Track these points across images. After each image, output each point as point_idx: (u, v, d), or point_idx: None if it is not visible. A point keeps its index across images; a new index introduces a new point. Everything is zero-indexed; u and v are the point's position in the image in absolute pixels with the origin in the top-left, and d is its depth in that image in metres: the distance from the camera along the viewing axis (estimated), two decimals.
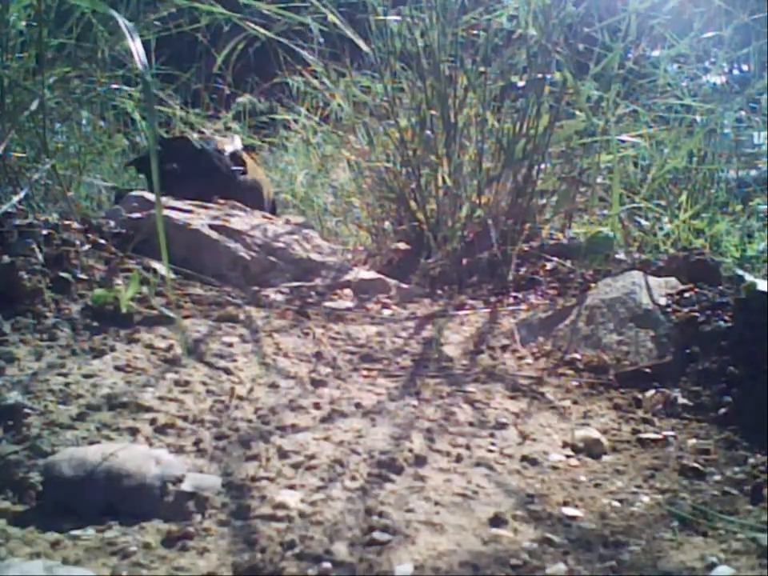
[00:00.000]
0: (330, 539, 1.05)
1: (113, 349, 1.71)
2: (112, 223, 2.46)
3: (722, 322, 1.81)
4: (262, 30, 3.04)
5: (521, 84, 3.02)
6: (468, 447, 1.41)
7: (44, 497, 1.12)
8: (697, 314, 1.89)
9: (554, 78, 2.85)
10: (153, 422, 1.39)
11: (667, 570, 1.02)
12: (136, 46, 1.12)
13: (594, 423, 1.58)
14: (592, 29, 2.97)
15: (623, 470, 1.37)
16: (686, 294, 2.02)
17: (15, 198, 2.29)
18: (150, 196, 2.68)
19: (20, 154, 2.57)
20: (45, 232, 2.09)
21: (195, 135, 3.30)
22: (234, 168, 3.40)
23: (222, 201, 3.16)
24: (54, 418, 1.34)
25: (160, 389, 1.54)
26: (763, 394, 1.55)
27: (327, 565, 0.99)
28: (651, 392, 1.72)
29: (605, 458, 1.43)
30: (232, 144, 3.47)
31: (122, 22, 1.12)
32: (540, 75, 2.78)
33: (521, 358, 2.00)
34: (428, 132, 2.99)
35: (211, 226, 2.59)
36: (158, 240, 1.16)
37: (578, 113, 3.13)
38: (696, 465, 1.37)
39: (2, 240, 1.96)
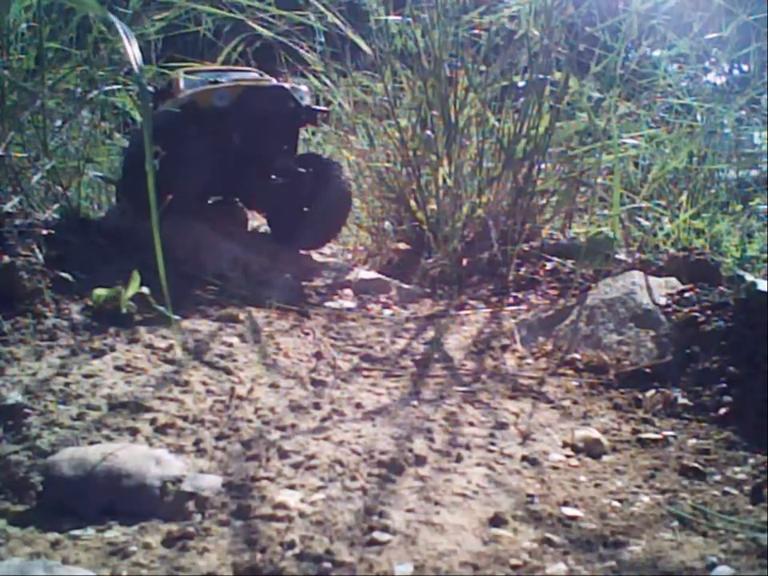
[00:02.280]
0: (330, 539, 1.05)
1: (113, 349, 1.71)
2: (112, 223, 2.46)
3: (721, 322, 1.81)
4: (263, 30, 3.04)
5: (522, 84, 3.02)
6: (468, 447, 1.41)
7: (44, 497, 1.12)
8: (697, 313, 1.89)
9: (554, 78, 2.85)
10: (153, 422, 1.39)
11: (667, 570, 1.02)
12: (132, 50, 1.11)
13: (594, 423, 1.58)
14: (593, 29, 2.97)
15: (623, 470, 1.37)
16: (686, 294, 2.02)
17: (15, 198, 2.29)
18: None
19: (20, 154, 2.57)
20: (45, 232, 2.09)
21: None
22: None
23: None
24: (53, 418, 1.34)
25: (160, 389, 1.54)
26: (763, 394, 1.55)
27: (327, 565, 0.99)
28: (651, 392, 1.72)
29: (605, 457, 1.43)
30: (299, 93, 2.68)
31: (119, 25, 1.12)
32: (541, 75, 2.78)
33: (521, 358, 2.00)
34: (428, 132, 3.00)
35: (212, 226, 2.59)
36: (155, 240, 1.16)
37: (578, 113, 3.13)
38: (696, 465, 1.36)
39: (1, 240, 1.96)
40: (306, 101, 2.63)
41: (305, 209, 2.73)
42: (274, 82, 2.72)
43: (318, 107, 2.70)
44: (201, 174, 2.45)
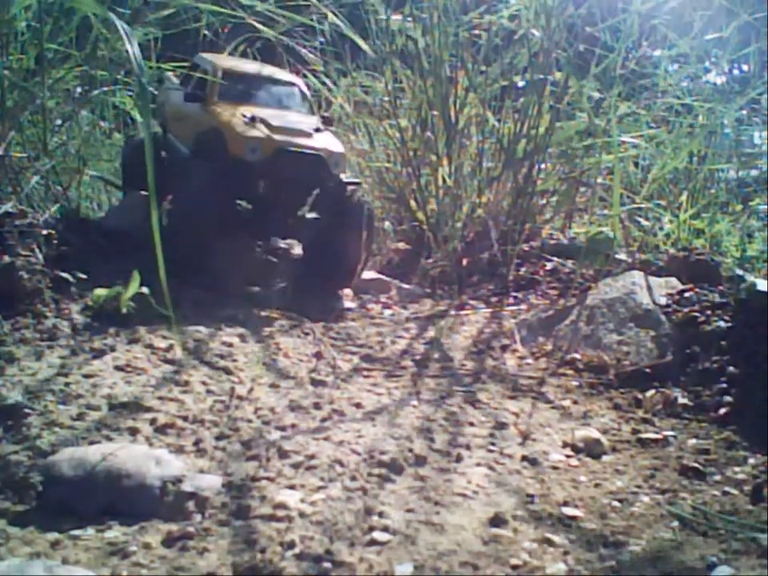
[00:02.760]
0: (330, 539, 1.05)
1: (113, 349, 1.71)
2: (112, 223, 2.46)
3: (722, 322, 1.81)
4: (265, 30, 3.04)
5: (522, 84, 3.03)
6: (468, 447, 1.41)
7: (44, 497, 1.12)
8: (697, 313, 1.89)
9: (554, 78, 2.85)
10: (153, 422, 1.39)
11: (667, 570, 1.02)
12: (132, 48, 1.12)
13: (594, 423, 1.58)
14: (594, 29, 2.97)
15: (623, 470, 1.37)
16: (686, 294, 2.02)
17: (15, 198, 2.29)
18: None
19: (20, 154, 2.57)
20: (45, 232, 2.09)
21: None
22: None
23: None
24: (53, 418, 1.34)
25: (160, 389, 1.54)
26: (763, 393, 1.55)
27: (327, 565, 0.99)
28: (651, 392, 1.72)
29: (605, 458, 1.43)
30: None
31: (118, 24, 1.12)
32: (541, 75, 2.78)
33: (521, 358, 2.00)
34: (428, 132, 3.00)
35: None
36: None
37: (578, 113, 3.13)
38: (696, 465, 1.37)
39: (2, 240, 1.96)
40: (340, 166, 2.42)
41: (325, 246, 2.51)
42: (314, 138, 2.38)
43: (349, 180, 2.49)
44: (219, 213, 2.27)
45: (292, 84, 2.64)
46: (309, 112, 2.59)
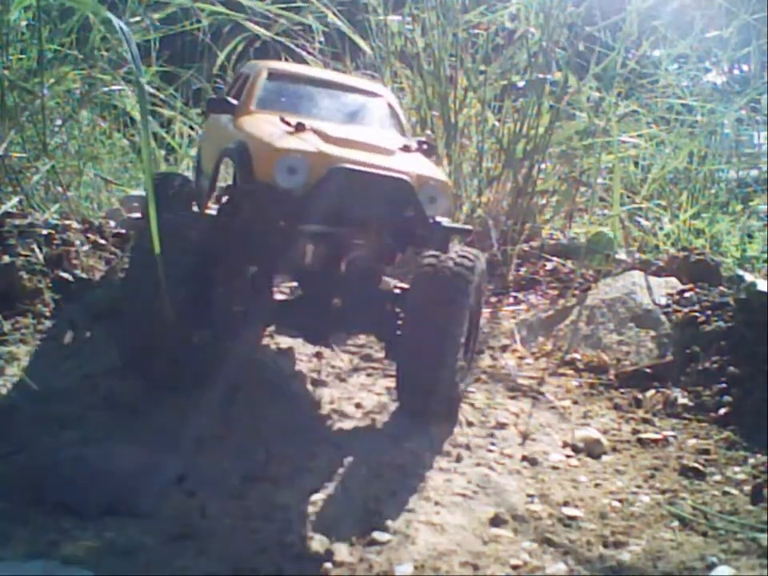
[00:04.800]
0: (330, 539, 1.05)
1: (113, 349, 1.70)
2: (112, 223, 2.46)
3: (722, 322, 1.81)
4: (262, 31, 3.05)
5: (521, 84, 3.03)
6: (468, 447, 1.41)
7: (44, 497, 1.12)
8: (697, 313, 1.89)
9: (554, 78, 2.85)
10: (154, 421, 1.38)
11: (667, 570, 1.02)
12: (132, 50, 1.12)
13: (594, 423, 1.59)
14: (594, 28, 2.97)
15: (623, 470, 1.37)
16: (686, 294, 2.02)
17: (15, 198, 2.29)
18: None
19: (20, 154, 2.57)
20: (45, 232, 2.09)
21: None
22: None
23: None
24: (54, 418, 1.34)
25: (160, 389, 1.54)
26: (763, 394, 1.55)
27: (327, 565, 0.99)
28: (651, 392, 1.72)
29: (605, 458, 1.43)
30: None
31: (117, 25, 1.12)
32: (541, 75, 2.78)
33: (521, 358, 2.00)
34: (428, 132, 3.00)
35: None
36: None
37: (578, 113, 3.14)
38: (696, 465, 1.37)
39: (2, 240, 1.96)
40: (439, 203, 1.45)
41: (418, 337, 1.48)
42: (396, 157, 1.50)
43: (454, 225, 1.52)
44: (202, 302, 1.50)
45: (373, 94, 1.84)
46: (397, 133, 1.78)
